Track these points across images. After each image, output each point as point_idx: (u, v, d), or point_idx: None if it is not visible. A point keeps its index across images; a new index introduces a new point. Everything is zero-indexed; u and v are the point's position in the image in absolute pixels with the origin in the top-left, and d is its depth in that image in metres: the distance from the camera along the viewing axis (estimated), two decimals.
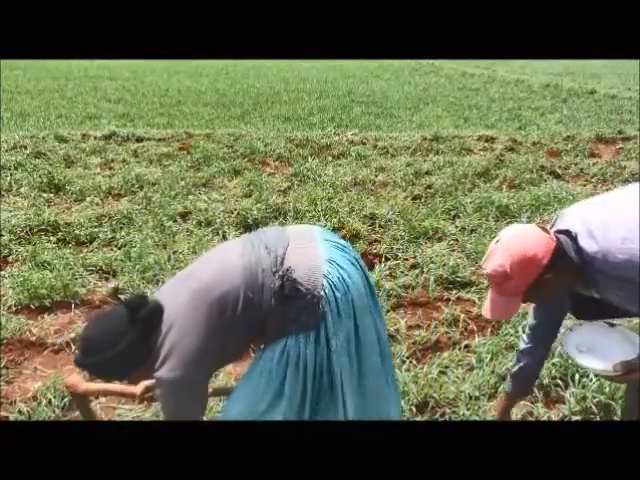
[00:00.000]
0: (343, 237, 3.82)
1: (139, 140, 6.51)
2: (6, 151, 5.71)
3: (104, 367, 1.49)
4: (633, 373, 1.48)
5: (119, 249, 3.54)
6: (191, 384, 1.50)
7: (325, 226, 3.95)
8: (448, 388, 2.31)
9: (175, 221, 4.04)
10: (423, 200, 4.67)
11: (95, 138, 6.52)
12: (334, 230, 3.93)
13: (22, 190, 4.62)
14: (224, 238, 3.76)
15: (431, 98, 10.78)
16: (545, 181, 5.31)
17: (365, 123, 8.10)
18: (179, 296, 1.53)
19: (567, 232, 1.56)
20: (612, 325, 1.67)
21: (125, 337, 1.46)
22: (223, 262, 1.60)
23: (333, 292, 1.55)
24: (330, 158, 6.07)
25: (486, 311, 1.58)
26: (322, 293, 1.54)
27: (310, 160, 5.86)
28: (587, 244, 1.50)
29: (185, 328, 1.48)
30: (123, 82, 12.12)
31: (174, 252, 3.49)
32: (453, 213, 4.35)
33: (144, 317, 1.48)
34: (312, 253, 1.61)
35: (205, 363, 1.51)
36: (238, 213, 4.17)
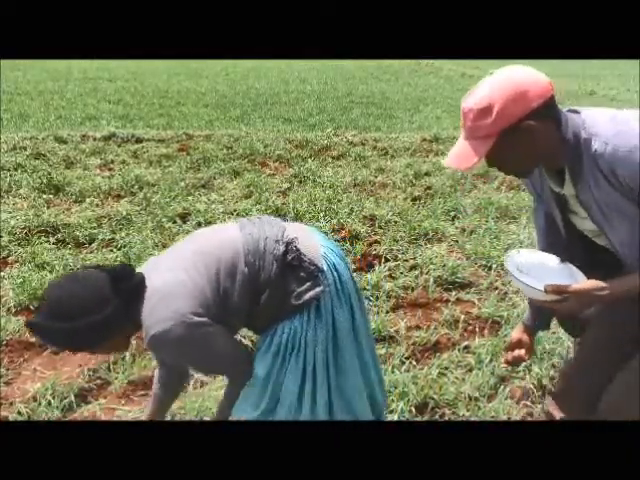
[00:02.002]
0: (343, 238, 3.82)
1: (139, 141, 6.50)
2: (6, 152, 5.70)
3: (76, 335, 1.38)
4: (563, 302, 1.38)
5: (119, 250, 3.54)
6: (191, 329, 1.43)
7: (325, 227, 3.95)
8: (448, 389, 2.31)
9: (175, 222, 4.04)
10: (423, 201, 4.67)
11: (95, 139, 6.52)
12: (334, 231, 3.94)
13: (22, 191, 4.61)
14: None
15: (431, 99, 10.79)
16: None
17: (365, 124, 8.10)
18: (172, 264, 1.49)
19: (573, 110, 1.41)
20: (562, 261, 1.60)
21: (107, 305, 1.38)
22: (221, 233, 1.60)
23: (331, 271, 1.57)
24: (330, 159, 6.07)
25: (447, 160, 1.40)
26: (324, 267, 1.55)
27: (310, 161, 5.87)
28: (596, 120, 1.33)
29: (175, 285, 1.44)
30: (123, 83, 12.12)
31: None
32: (453, 214, 4.36)
33: (129, 287, 1.43)
34: (310, 236, 1.64)
35: (201, 313, 1.44)
36: (238, 214, 4.17)
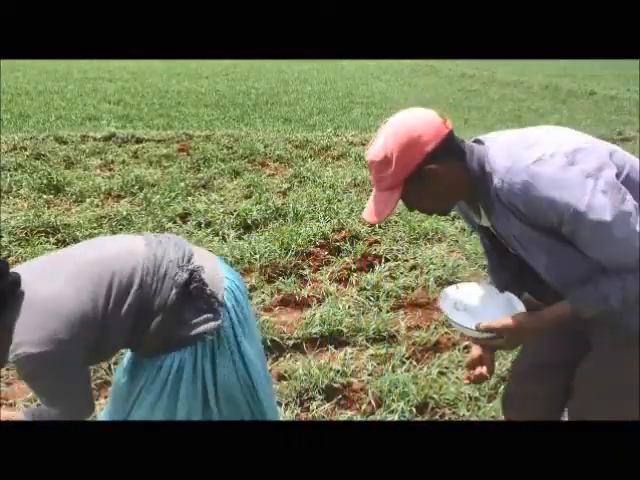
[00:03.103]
0: (343, 238, 3.82)
1: (139, 141, 6.51)
2: (6, 152, 5.70)
3: None
4: (497, 339, 1.37)
5: None
6: (63, 359, 1.31)
7: (325, 227, 3.95)
8: (448, 389, 2.31)
9: (175, 222, 4.04)
10: None
11: (95, 139, 6.52)
12: (334, 231, 3.93)
13: (22, 191, 4.61)
14: (224, 239, 3.76)
15: (431, 99, 10.79)
16: None
17: (365, 124, 8.10)
18: (62, 272, 1.37)
19: (478, 141, 1.40)
20: (502, 290, 1.55)
21: None
22: (123, 246, 1.49)
23: (233, 305, 1.50)
24: (330, 159, 6.07)
25: (364, 213, 1.39)
26: (225, 301, 1.48)
27: (310, 161, 5.87)
28: (494, 155, 1.31)
29: (58, 300, 1.31)
30: (123, 83, 12.12)
31: None
32: (452, 214, 4.35)
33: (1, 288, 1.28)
34: (215, 267, 1.56)
35: (79, 338, 1.33)
36: (238, 214, 4.17)
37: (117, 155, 5.95)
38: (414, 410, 2.19)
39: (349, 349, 2.60)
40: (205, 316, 1.45)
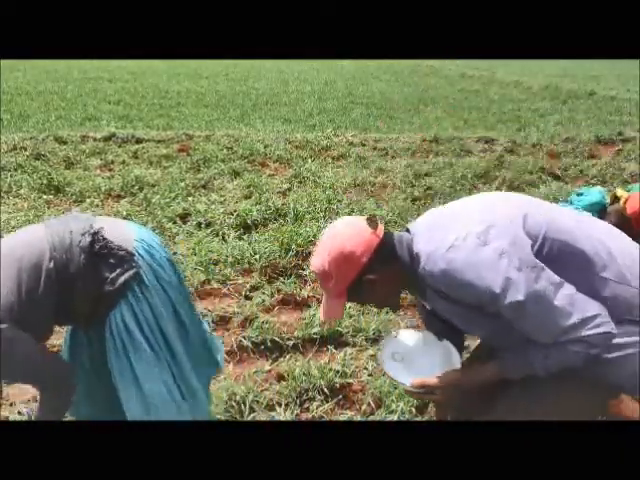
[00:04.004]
0: None
1: (139, 141, 6.50)
2: (6, 152, 5.70)
3: None
4: (430, 394, 1.43)
5: None
6: (9, 339, 1.38)
7: (325, 227, 3.94)
8: None
9: (175, 223, 4.04)
10: (423, 201, 4.67)
11: (95, 140, 6.52)
12: None
13: (22, 192, 4.61)
14: (224, 239, 3.76)
15: (430, 100, 10.79)
16: (545, 182, 5.31)
17: (365, 124, 8.10)
18: None
19: (408, 230, 1.49)
20: (440, 338, 1.58)
21: None
22: (25, 234, 1.58)
23: (147, 251, 1.58)
24: (330, 159, 6.07)
25: (320, 314, 1.49)
26: (134, 252, 1.56)
27: (310, 161, 5.87)
28: (418, 243, 1.40)
29: None
30: (123, 84, 12.11)
31: (174, 253, 3.48)
32: None
33: None
34: (121, 226, 1.66)
35: (8, 318, 1.39)
36: (238, 214, 4.16)
37: (117, 155, 5.94)
38: (414, 410, 2.19)
39: (349, 349, 2.60)
40: (119, 269, 1.54)
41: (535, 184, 5.20)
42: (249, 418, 2.14)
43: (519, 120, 8.66)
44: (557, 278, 1.29)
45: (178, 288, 1.69)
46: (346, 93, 11.46)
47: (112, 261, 1.53)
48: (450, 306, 1.39)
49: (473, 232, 1.31)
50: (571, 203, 2.09)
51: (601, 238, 1.38)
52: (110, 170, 5.47)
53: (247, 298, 3.05)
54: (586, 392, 1.38)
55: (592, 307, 1.29)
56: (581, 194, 2.08)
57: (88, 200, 4.44)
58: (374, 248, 1.38)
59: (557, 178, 5.52)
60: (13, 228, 3.75)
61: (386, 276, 1.40)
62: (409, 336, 1.62)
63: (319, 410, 2.20)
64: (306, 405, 2.24)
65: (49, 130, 6.97)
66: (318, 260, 1.41)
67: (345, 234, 1.40)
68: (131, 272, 1.54)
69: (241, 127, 7.64)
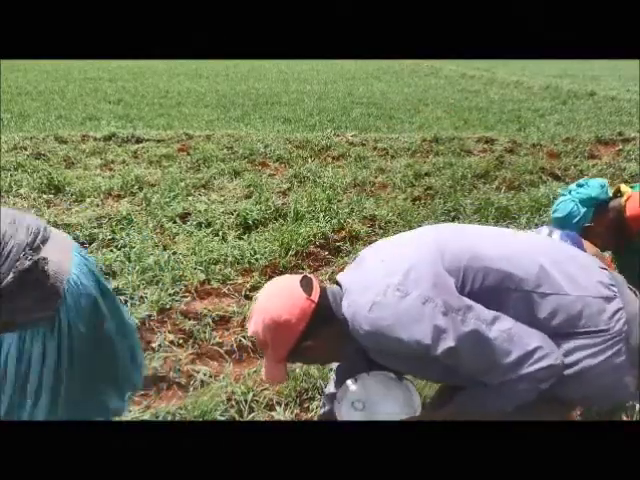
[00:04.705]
0: (343, 238, 3.82)
1: (139, 141, 6.50)
2: (6, 152, 5.70)
3: None
4: None
5: (119, 250, 3.53)
6: None
7: (325, 227, 3.95)
8: None
9: (175, 222, 4.04)
10: (423, 201, 4.67)
11: (95, 139, 6.52)
12: (334, 231, 3.93)
13: (22, 191, 4.61)
14: (224, 239, 3.76)
15: (431, 100, 10.78)
16: (545, 183, 5.31)
17: (365, 124, 8.10)
18: None
19: (339, 283, 1.43)
20: (400, 379, 1.52)
21: None
22: None
23: (74, 300, 1.44)
24: (330, 159, 6.07)
25: (263, 374, 1.44)
26: (62, 294, 1.41)
27: (310, 161, 5.87)
28: (344, 304, 1.35)
29: None
30: (123, 83, 12.12)
31: (174, 253, 3.49)
32: (453, 214, 4.36)
33: None
34: (65, 257, 1.49)
35: None
36: (238, 214, 4.16)
37: (117, 155, 5.94)
38: None
39: None
40: (39, 306, 1.39)
41: (535, 184, 5.20)
42: (249, 418, 2.14)
43: (519, 120, 8.66)
44: (489, 314, 1.24)
45: (104, 317, 1.56)
46: (346, 93, 11.46)
47: (36, 294, 1.38)
48: (392, 358, 1.36)
49: (392, 285, 1.26)
50: (570, 193, 2.04)
51: (531, 254, 1.33)
52: (110, 170, 5.47)
53: (247, 298, 3.05)
54: (541, 410, 1.32)
55: (533, 340, 1.23)
56: (582, 185, 2.03)
57: (88, 199, 4.45)
58: (309, 315, 1.33)
59: (557, 178, 5.52)
60: None
61: (325, 338, 1.36)
62: (369, 381, 1.54)
63: (319, 410, 2.20)
64: (306, 405, 2.24)
65: (49, 130, 6.97)
66: (253, 328, 1.37)
67: (279, 302, 1.34)
68: (48, 313, 1.40)
69: (241, 127, 7.64)
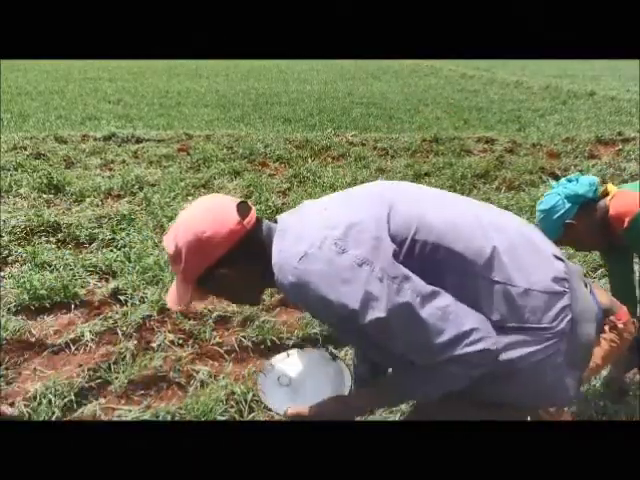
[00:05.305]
0: None
1: (139, 141, 6.50)
2: (6, 152, 5.70)
3: None
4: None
5: (119, 250, 3.53)
6: None
7: None
8: None
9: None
10: None
11: (95, 139, 6.52)
12: None
13: (22, 191, 4.61)
14: None
15: (431, 100, 10.78)
16: (544, 182, 5.31)
17: (365, 124, 8.10)
18: None
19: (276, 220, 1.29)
20: (334, 357, 1.44)
21: None
22: None
23: None
24: (330, 159, 6.07)
25: (167, 296, 1.29)
26: None
27: (310, 161, 5.86)
28: (275, 243, 1.19)
29: None
30: (123, 83, 12.12)
31: None
32: None
33: None
34: None
35: None
36: None
37: (117, 155, 5.94)
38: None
39: (349, 349, 2.60)
40: None
41: (535, 184, 5.20)
42: (249, 418, 2.14)
43: (519, 120, 8.66)
44: (427, 288, 1.11)
45: None
46: (346, 93, 11.46)
47: None
48: (317, 318, 1.24)
49: (330, 237, 1.13)
50: (558, 186, 2.02)
51: (487, 233, 1.20)
52: (110, 170, 5.47)
53: None
54: (493, 415, 1.23)
55: (469, 320, 1.11)
56: (571, 180, 2.01)
57: (88, 199, 4.44)
58: (236, 240, 1.19)
59: (557, 178, 5.51)
60: (13, 227, 3.76)
61: (245, 272, 1.22)
62: (300, 357, 1.47)
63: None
64: None
65: (49, 129, 6.97)
66: (171, 239, 1.22)
67: (208, 217, 1.20)
68: None
69: (241, 127, 7.64)
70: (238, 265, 1.21)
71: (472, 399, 1.24)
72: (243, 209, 1.22)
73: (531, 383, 1.19)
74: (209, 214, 1.21)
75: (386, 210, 1.18)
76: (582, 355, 1.25)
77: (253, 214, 1.24)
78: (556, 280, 1.20)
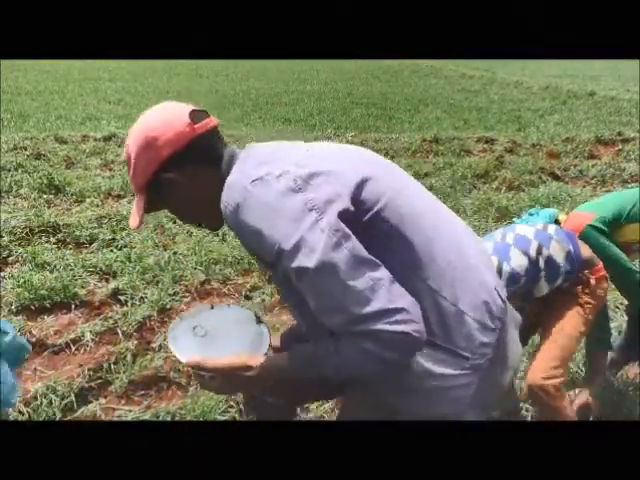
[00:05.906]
0: None
1: None
2: (6, 152, 5.70)
3: None
4: (210, 379, 1.19)
5: (119, 250, 3.54)
6: None
7: None
8: None
9: (175, 222, 4.03)
10: None
11: (95, 139, 6.52)
12: None
13: (22, 191, 4.61)
14: (224, 239, 3.76)
15: (431, 100, 10.79)
16: (544, 182, 5.31)
17: (365, 124, 8.10)
18: None
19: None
20: (259, 321, 1.38)
21: None
22: None
23: None
24: None
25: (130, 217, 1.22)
26: None
27: None
28: (236, 165, 1.14)
29: None
30: (123, 83, 12.12)
31: (174, 253, 3.49)
32: None
33: None
34: None
35: None
36: None
37: (117, 155, 5.94)
38: None
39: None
40: None
41: (535, 184, 5.20)
42: (249, 418, 2.14)
43: (519, 120, 8.66)
44: (367, 256, 1.04)
45: None
46: (346, 93, 11.46)
47: None
48: (248, 250, 1.17)
49: (293, 173, 1.07)
50: (521, 221, 2.12)
51: (449, 243, 1.16)
52: (110, 170, 5.47)
53: (247, 298, 3.05)
54: (368, 410, 1.20)
55: (401, 300, 1.03)
56: (532, 214, 2.12)
57: (88, 200, 4.45)
58: (183, 142, 1.13)
59: (557, 178, 5.52)
60: (13, 228, 3.76)
61: (191, 181, 1.16)
62: (223, 311, 1.41)
63: (319, 410, 2.20)
64: (306, 405, 2.24)
65: (49, 130, 6.98)
66: (126, 142, 1.18)
67: (157, 118, 1.16)
68: None
69: (241, 127, 7.64)
70: (185, 169, 1.15)
71: (371, 400, 1.20)
72: (199, 115, 1.17)
73: (429, 406, 1.15)
74: (160, 116, 1.17)
75: (362, 176, 1.11)
76: (488, 398, 1.20)
77: (210, 122, 1.18)
78: (491, 316, 1.15)
